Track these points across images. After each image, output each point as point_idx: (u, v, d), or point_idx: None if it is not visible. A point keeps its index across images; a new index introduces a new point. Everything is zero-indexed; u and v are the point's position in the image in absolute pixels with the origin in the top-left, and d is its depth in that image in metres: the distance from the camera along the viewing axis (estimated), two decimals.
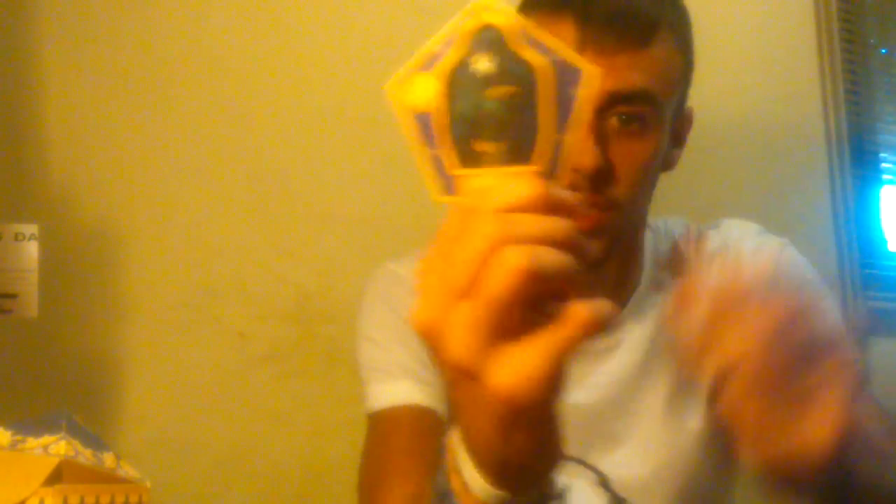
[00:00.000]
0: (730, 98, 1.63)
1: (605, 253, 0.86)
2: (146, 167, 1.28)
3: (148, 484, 0.62)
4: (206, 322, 1.27)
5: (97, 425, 0.67)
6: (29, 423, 0.62)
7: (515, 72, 0.42)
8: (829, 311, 0.93)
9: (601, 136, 0.81)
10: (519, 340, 0.40)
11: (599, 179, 0.81)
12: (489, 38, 0.42)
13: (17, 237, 0.96)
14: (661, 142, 0.85)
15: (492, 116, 0.42)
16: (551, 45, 0.42)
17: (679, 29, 0.86)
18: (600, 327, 0.40)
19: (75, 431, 0.62)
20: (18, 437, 0.61)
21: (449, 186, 0.44)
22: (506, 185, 0.41)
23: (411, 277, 0.95)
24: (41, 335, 1.18)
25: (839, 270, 1.71)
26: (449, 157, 0.43)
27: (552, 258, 0.39)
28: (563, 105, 0.42)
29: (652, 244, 0.97)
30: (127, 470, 0.63)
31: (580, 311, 0.40)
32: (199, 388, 1.26)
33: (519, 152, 0.42)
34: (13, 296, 0.96)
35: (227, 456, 1.26)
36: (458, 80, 0.42)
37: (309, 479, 1.29)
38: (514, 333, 0.40)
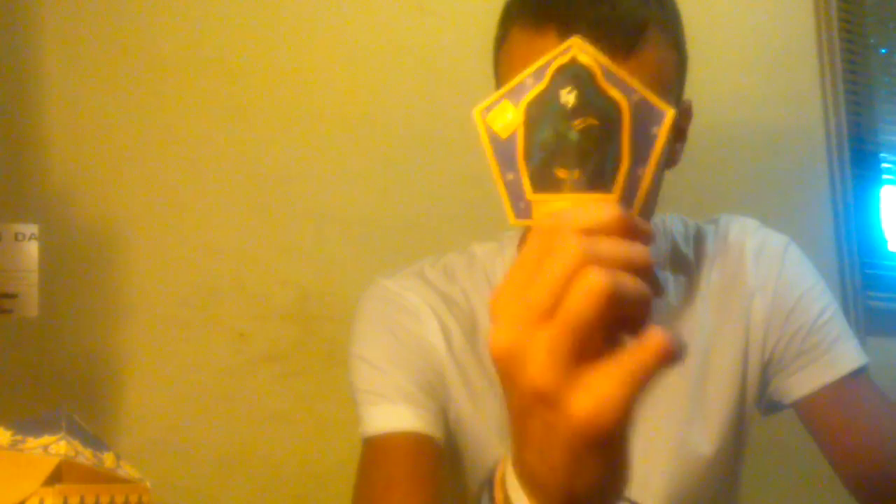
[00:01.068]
0: (730, 98, 1.63)
1: None
2: (146, 167, 1.28)
3: (148, 484, 0.62)
4: (206, 322, 1.27)
5: (97, 425, 0.67)
6: (29, 423, 0.62)
7: (600, 107, 0.45)
8: (830, 310, 0.93)
9: None
10: (598, 366, 0.39)
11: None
12: (578, 75, 0.45)
13: (17, 237, 0.96)
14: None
15: (574, 145, 0.45)
16: (634, 85, 0.45)
17: (668, 24, 0.83)
18: (677, 357, 0.40)
19: (75, 431, 0.62)
20: (18, 437, 0.60)
21: (526, 211, 0.46)
22: (587, 208, 0.41)
23: (406, 295, 0.93)
24: (41, 335, 1.18)
25: (839, 270, 1.71)
26: (527, 181, 0.46)
27: (633, 283, 0.39)
28: (643, 141, 0.45)
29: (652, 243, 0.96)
30: (127, 470, 0.62)
31: (659, 338, 0.39)
32: (199, 388, 1.26)
33: (597, 181, 0.45)
34: (13, 296, 0.96)
35: (227, 456, 1.26)
36: (544, 110, 0.45)
37: (309, 479, 1.29)
38: (593, 359, 0.39)
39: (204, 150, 1.31)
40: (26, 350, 1.18)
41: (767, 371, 0.94)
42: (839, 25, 1.79)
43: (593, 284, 0.38)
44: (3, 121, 1.22)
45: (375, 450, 0.87)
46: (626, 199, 0.45)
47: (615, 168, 0.45)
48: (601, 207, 0.41)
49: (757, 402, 0.95)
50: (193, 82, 1.31)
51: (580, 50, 0.45)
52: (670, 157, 0.89)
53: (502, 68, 0.87)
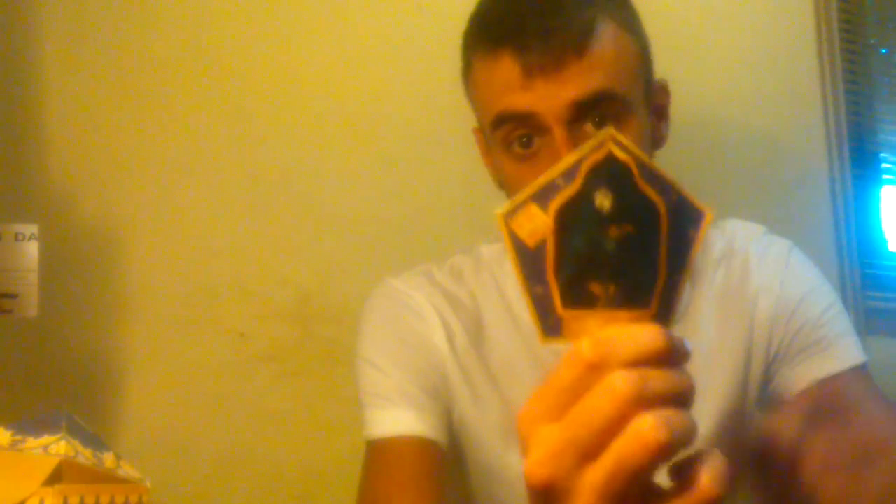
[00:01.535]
0: (730, 98, 1.63)
1: None
2: (146, 167, 1.28)
3: (148, 484, 0.62)
4: (206, 322, 1.27)
5: (97, 425, 0.67)
6: (29, 423, 0.62)
7: (638, 211, 0.40)
8: (835, 308, 0.94)
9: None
10: None
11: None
12: (614, 174, 0.40)
13: (17, 237, 0.96)
14: (641, 127, 0.85)
15: (610, 257, 0.40)
16: (672, 183, 0.41)
17: (618, 13, 0.84)
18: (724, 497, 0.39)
19: (75, 431, 0.62)
20: (18, 437, 0.61)
21: (555, 328, 0.41)
22: (631, 335, 0.39)
23: (412, 294, 0.94)
24: (41, 335, 1.18)
25: (839, 270, 1.71)
26: (558, 296, 0.41)
27: (684, 424, 0.38)
28: (679, 246, 0.41)
29: None
30: (127, 470, 0.63)
31: (708, 481, 0.39)
32: (199, 388, 1.26)
33: (633, 295, 0.41)
34: (13, 296, 0.96)
35: (227, 456, 1.26)
36: (577, 217, 0.40)
37: (309, 479, 1.29)
38: (637, 495, 0.39)
39: (204, 150, 1.31)
40: (26, 350, 1.18)
41: (770, 369, 0.94)
42: (839, 25, 1.79)
43: (646, 433, 0.37)
44: (3, 121, 1.22)
45: (379, 453, 0.87)
46: (663, 312, 0.41)
47: (652, 279, 0.41)
48: (646, 335, 0.39)
49: (757, 401, 0.96)
50: (193, 82, 1.31)
51: (614, 143, 0.41)
52: (656, 139, 0.90)
53: (474, 99, 0.90)
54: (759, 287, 0.94)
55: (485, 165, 0.96)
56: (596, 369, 0.38)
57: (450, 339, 0.91)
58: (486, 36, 0.85)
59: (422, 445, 0.86)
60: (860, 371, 0.91)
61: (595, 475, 0.38)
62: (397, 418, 0.87)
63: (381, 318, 0.94)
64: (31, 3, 1.25)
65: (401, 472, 0.85)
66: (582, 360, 0.39)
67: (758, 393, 0.95)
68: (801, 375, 0.92)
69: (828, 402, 0.90)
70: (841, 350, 0.91)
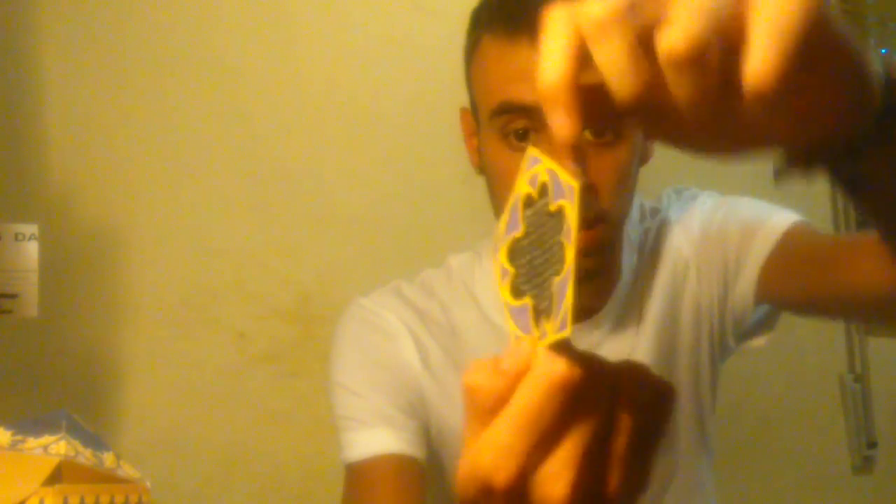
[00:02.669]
0: None
1: (601, 266, 0.85)
2: (146, 167, 1.28)
3: (148, 484, 0.62)
4: (206, 322, 1.27)
5: (97, 425, 0.67)
6: (29, 423, 0.62)
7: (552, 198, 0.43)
8: (753, 206, 0.94)
9: (578, 156, 0.79)
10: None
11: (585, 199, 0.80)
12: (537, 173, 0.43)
13: (17, 237, 0.96)
14: (636, 142, 0.84)
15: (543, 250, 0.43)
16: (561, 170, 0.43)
17: None
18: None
19: (75, 431, 0.62)
20: (18, 437, 0.61)
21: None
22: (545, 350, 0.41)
23: (382, 313, 0.93)
24: (41, 335, 1.18)
25: None
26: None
27: None
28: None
29: (625, 233, 0.95)
30: (127, 470, 0.63)
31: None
32: (199, 388, 1.26)
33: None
34: (13, 296, 0.96)
35: (227, 456, 1.26)
36: (531, 218, 0.43)
37: (309, 479, 1.29)
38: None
39: (204, 150, 1.31)
40: (26, 350, 1.18)
41: (727, 303, 0.93)
42: None
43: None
44: (3, 121, 1.22)
45: (359, 475, 0.88)
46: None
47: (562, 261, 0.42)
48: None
49: (722, 351, 0.96)
50: (193, 82, 1.31)
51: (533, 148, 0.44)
52: (644, 156, 0.89)
53: (475, 78, 0.88)
54: (681, 239, 0.95)
55: (466, 147, 0.94)
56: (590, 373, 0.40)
57: (422, 355, 0.91)
58: (504, 17, 0.82)
59: (401, 463, 0.86)
60: (801, 224, 0.91)
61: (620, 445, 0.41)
62: (375, 438, 0.87)
63: (352, 341, 0.94)
64: (31, 3, 1.25)
65: (382, 491, 0.85)
66: (572, 386, 0.40)
67: (720, 346, 0.95)
68: (753, 263, 0.90)
69: (788, 257, 0.89)
70: (773, 222, 0.91)
